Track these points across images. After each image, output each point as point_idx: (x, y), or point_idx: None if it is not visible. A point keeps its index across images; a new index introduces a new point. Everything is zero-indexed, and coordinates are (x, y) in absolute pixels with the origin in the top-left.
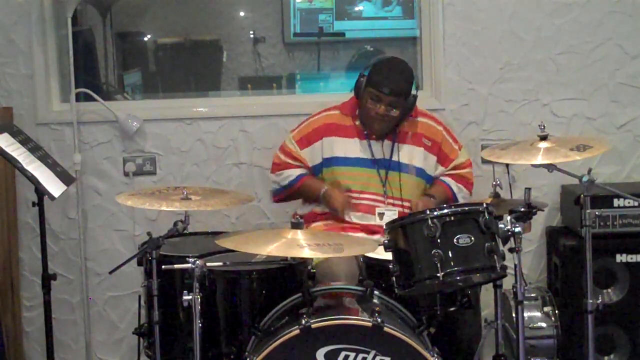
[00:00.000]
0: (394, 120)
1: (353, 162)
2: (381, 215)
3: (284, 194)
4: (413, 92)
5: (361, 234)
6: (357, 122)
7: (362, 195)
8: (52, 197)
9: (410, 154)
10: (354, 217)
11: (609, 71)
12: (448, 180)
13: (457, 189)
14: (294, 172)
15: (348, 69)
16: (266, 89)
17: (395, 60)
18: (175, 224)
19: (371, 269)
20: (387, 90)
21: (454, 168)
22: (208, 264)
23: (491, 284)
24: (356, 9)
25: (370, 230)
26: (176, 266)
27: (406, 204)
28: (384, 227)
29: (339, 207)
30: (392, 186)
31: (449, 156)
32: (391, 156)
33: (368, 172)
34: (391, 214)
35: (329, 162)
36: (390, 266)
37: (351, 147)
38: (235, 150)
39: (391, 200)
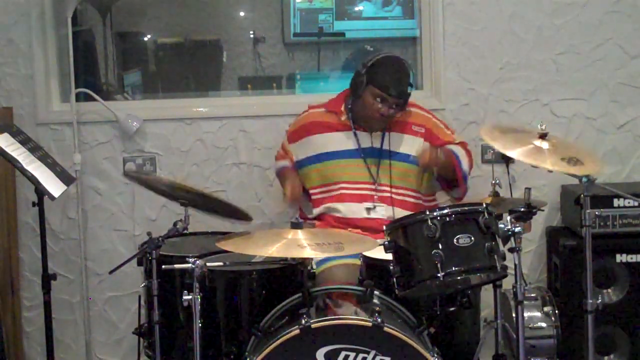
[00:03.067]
0: (393, 118)
1: (339, 154)
2: (368, 210)
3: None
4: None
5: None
6: (344, 118)
7: (353, 186)
8: (52, 197)
9: (400, 142)
10: (346, 210)
11: (609, 71)
12: (451, 146)
13: (461, 154)
14: (283, 163)
15: (347, 69)
16: (266, 89)
17: (398, 61)
18: (175, 224)
19: (371, 269)
20: (394, 92)
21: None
22: (208, 264)
23: (491, 284)
24: (356, 9)
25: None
26: (176, 266)
27: (395, 191)
28: (384, 228)
29: (286, 192)
30: (382, 174)
31: (443, 138)
32: (381, 145)
33: (355, 162)
34: (381, 210)
35: (318, 158)
36: (391, 267)
37: (336, 140)
38: (235, 150)
39: (382, 188)
